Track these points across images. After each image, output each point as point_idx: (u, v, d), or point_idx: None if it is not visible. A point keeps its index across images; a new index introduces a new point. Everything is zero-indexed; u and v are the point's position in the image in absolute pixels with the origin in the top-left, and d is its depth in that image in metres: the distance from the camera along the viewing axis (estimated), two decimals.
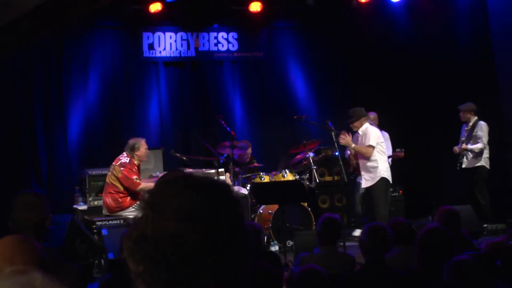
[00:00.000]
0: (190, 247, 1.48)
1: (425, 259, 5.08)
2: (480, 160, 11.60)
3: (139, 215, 1.55)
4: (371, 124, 11.01)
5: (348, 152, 11.29)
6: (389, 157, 11.61)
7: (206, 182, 1.59)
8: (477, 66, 12.53)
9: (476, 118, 11.73)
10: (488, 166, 11.64)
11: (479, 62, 12.51)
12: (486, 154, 11.62)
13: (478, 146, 11.53)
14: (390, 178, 10.69)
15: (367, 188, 10.69)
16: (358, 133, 10.67)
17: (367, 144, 10.44)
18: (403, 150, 11.51)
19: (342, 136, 10.55)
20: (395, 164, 11.85)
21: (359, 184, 11.08)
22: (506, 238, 6.38)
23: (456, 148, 11.83)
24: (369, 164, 10.50)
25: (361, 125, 10.65)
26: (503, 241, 6.35)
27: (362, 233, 5.49)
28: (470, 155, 11.66)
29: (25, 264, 2.76)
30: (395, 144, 12.08)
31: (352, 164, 11.13)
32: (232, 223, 1.56)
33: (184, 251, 1.47)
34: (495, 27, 12.05)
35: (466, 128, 11.84)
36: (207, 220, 1.51)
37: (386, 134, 12.04)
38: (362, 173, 10.68)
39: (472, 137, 11.64)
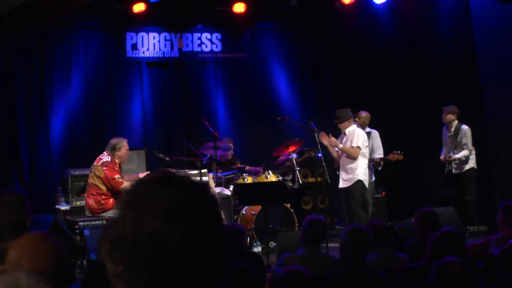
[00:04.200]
0: (169, 245, 1.48)
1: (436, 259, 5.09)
2: (469, 163, 11.67)
3: (116, 216, 1.55)
4: (357, 126, 11.03)
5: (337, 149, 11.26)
6: (382, 159, 11.61)
7: (184, 180, 1.60)
8: (459, 69, 12.59)
9: (457, 122, 11.79)
10: (476, 167, 11.72)
11: (462, 64, 12.57)
12: (473, 156, 11.69)
13: (465, 153, 11.59)
14: (366, 183, 10.68)
15: (344, 189, 10.71)
16: (344, 134, 10.68)
17: (354, 144, 10.45)
18: (401, 152, 11.46)
19: (325, 139, 10.57)
20: (388, 162, 11.84)
21: None
22: (487, 241, 6.42)
23: (442, 157, 11.89)
24: (349, 165, 10.51)
25: (349, 125, 10.68)
26: (484, 243, 6.39)
27: (342, 235, 5.48)
28: (457, 161, 11.71)
29: (45, 261, 2.77)
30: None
31: (338, 162, 11.11)
32: (211, 221, 1.57)
33: (163, 250, 1.48)
34: (478, 30, 12.11)
35: (448, 134, 11.86)
36: (185, 217, 1.51)
37: (376, 132, 12.01)
38: (341, 173, 10.71)
39: (457, 144, 11.69)
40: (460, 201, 11.42)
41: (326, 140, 10.63)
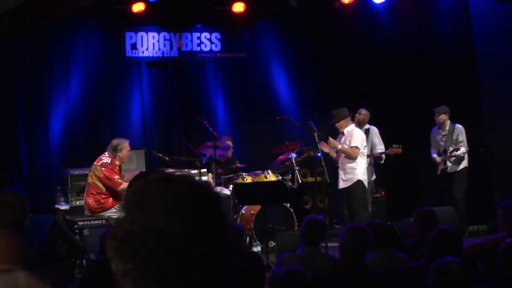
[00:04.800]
0: (178, 240, 1.50)
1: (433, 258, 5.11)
2: (463, 162, 11.68)
3: (123, 215, 1.57)
4: (355, 125, 11.05)
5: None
6: (382, 153, 11.62)
7: (189, 179, 1.62)
8: (459, 68, 12.59)
9: (449, 121, 11.82)
10: (468, 166, 11.75)
11: (462, 64, 12.58)
12: (466, 155, 11.72)
13: (463, 150, 11.60)
14: (366, 182, 10.70)
15: (344, 189, 10.72)
16: (343, 133, 10.69)
17: (353, 145, 10.46)
18: (400, 146, 11.48)
19: (324, 146, 10.60)
20: (387, 161, 11.87)
21: None
22: (486, 240, 6.42)
23: (437, 158, 11.91)
24: (348, 165, 10.52)
25: (347, 125, 10.69)
26: (484, 242, 6.39)
27: (341, 234, 5.48)
28: (453, 159, 11.71)
29: (10, 260, 2.75)
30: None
31: (337, 162, 11.12)
32: (216, 217, 1.59)
33: (172, 245, 1.49)
34: (477, 29, 12.11)
35: (443, 133, 11.88)
36: (192, 212, 1.53)
37: (375, 129, 12.03)
38: (340, 173, 10.71)
39: (452, 142, 11.69)
40: (454, 200, 11.43)
41: (326, 147, 10.65)
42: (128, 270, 1.51)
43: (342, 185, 10.69)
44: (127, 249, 1.51)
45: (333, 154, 10.97)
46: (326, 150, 10.70)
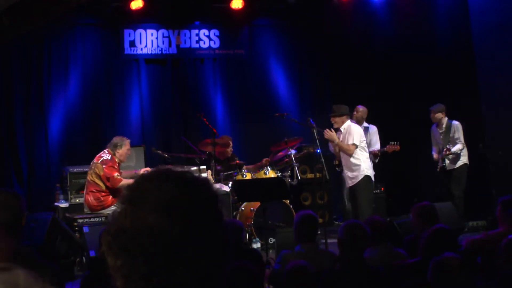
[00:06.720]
0: (168, 239, 1.49)
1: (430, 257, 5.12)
2: (461, 159, 11.69)
3: (118, 210, 1.56)
4: (352, 121, 11.03)
5: (331, 147, 11.29)
6: (379, 151, 11.61)
7: (186, 176, 1.61)
8: (457, 67, 12.59)
9: (446, 118, 11.82)
10: (468, 162, 11.75)
11: (460, 62, 12.57)
12: (465, 151, 11.71)
13: (459, 147, 11.60)
14: (372, 176, 10.68)
15: (352, 187, 10.68)
16: (340, 131, 10.66)
17: (350, 142, 10.42)
18: (398, 143, 11.47)
19: (326, 130, 10.57)
20: (386, 158, 11.87)
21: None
22: (486, 236, 6.43)
23: (435, 156, 11.92)
24: (352, 161, 10.49)
25: (343, 122, 10.64)
26: (483, 238, 6.39)
27: (339, 231, 5.49)
28: (450, 156, 11.71)
29: (5, 258, 2.75)
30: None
31: (338, 158, 11.11)
32: (210, 217, 1.57)
33: (161, 243, 1.48)
34: (476, 25, 12.10)
35: (440, 131, 11.89)
36: (185, 212, 1.52)
37: (374, 128, 12.04)
38: (346, 171, 10.68)
39: (449, 139, 11.70)
40: (452, 196, 11.43)
41: (326, 131, 10.60)
42: (119, 265, 1.51)
43: (350, 183, 10.60)
44: (118, 245, 1.51)
45: (336, 149, 10.95)
46: (326, 136, 10.65)
